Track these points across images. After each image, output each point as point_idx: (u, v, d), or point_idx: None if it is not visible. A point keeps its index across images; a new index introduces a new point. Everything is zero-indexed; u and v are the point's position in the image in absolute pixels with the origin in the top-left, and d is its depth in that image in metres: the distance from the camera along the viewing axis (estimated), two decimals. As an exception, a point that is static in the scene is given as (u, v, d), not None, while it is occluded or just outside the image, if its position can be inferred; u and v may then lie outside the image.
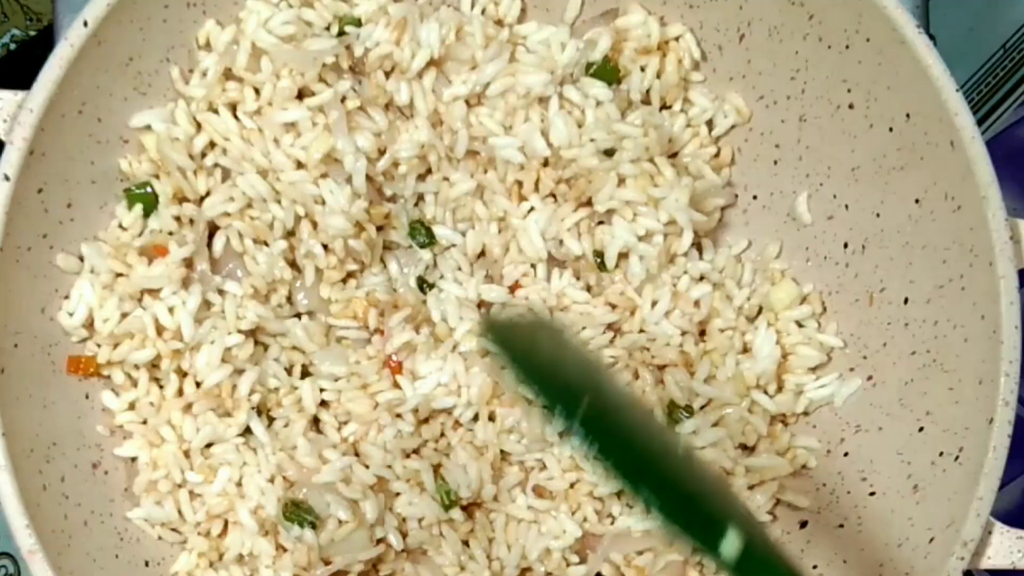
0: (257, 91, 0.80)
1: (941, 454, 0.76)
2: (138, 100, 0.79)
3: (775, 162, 0.87)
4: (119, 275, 0.78)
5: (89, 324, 0.78)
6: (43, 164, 0.73)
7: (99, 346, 0.78)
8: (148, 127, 0.79)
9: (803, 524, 0.84)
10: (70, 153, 0.76)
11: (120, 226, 0.80)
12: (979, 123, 0.73)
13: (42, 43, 1.56)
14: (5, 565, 1.52)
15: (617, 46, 0.85)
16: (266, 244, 0.81)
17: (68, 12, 0.89)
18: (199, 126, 0.80)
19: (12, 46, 1.59)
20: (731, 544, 0.51)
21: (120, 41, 0.75)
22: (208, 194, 0.81)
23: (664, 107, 0.87)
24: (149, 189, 0.79)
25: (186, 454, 0.80)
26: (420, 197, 0.85)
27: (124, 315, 0.78)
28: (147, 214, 0.80)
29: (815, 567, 0.81)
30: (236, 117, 0.80)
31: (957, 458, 0.74)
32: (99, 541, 0.77)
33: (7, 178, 0.71)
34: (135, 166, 0.79)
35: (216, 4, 0.79)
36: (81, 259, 0.78)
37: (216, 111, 0.80)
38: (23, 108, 0.71)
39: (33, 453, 0.73)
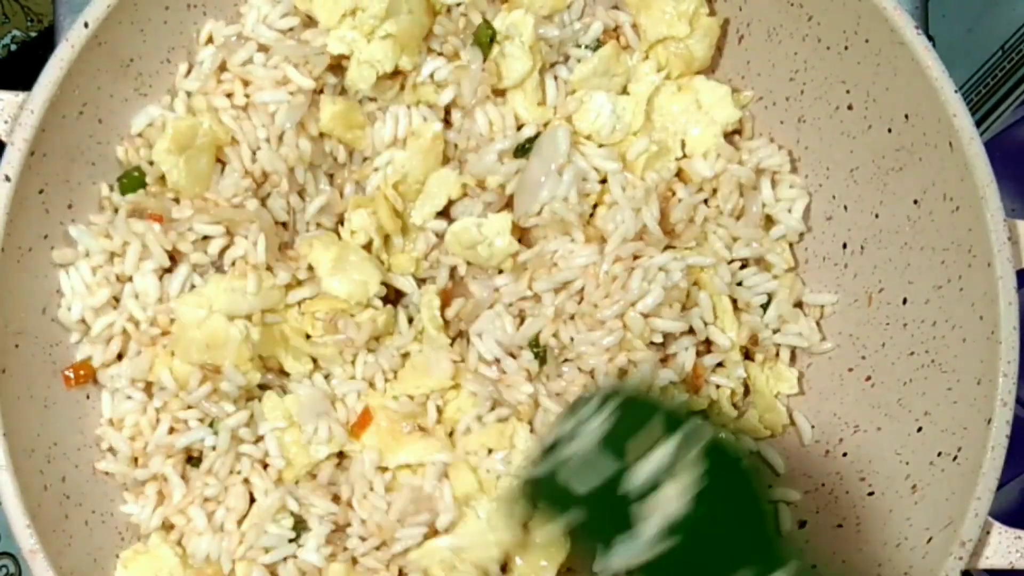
0: (246, 83, 0.80)
1: (939, 454, 0.76)
2: (138, 101, 0.79)
3: (774, 163, 0.87)
4: (113, 255, 0.78)
5: (84, 320, 0.78)
6: (44, 165, 0.73)
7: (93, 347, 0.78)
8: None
9: (802, 524, 0.84)
10: (71, 154, 0.76)
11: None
12: (978, 124, 0.73)
13: (43, 44, 1.57)
14: (6, 565, 1.53)
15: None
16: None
17: (69, 13, 0.89)
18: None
19: (13, 47, 1.59)
20: None
21: (120, 42, 0.75)
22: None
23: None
24: (137, 173, 0.79)
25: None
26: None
27: (116, 300, 0.78)
28: (132, 190, 0.79)
29: (814, 567, 0.81)
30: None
31: (955, 458, 0.74)
32: (99, 541, 0.77)
33: (8, 179, 0.71)
34: (131, 154, 0.79)
35: (216, 5, 0.80)
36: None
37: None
38: (24, 109, 0.71)
39: (34, 453, 0.73)
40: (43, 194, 0.74)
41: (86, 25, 0.72)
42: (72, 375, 0.77)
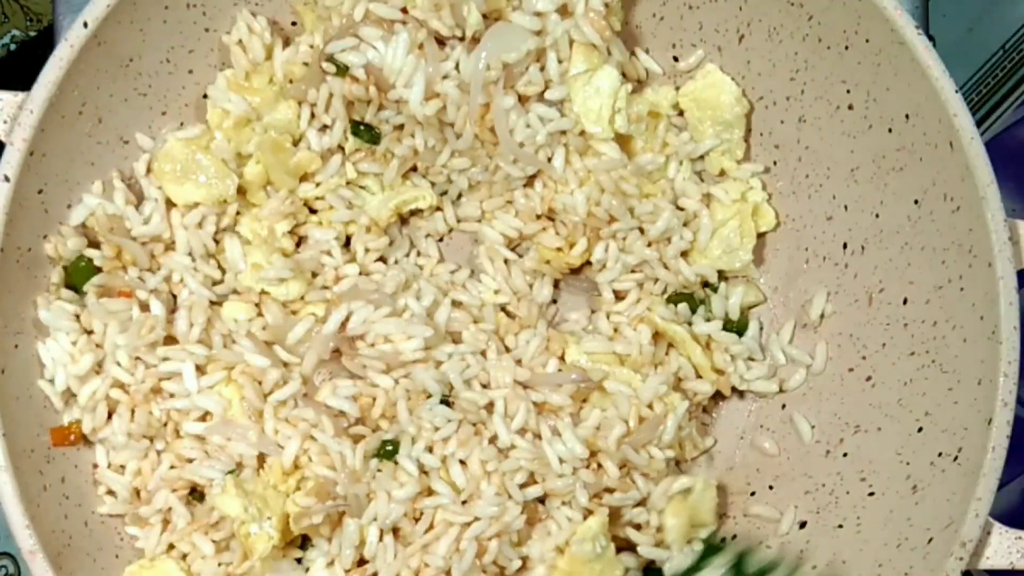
0: None
1: (940, 454, 0.76)
2: (138, 101, 0.79)
3: (774, 163, 0.87)
4: (88, 332, 0.77)
5: (69, 388, 0.77)
6: (43, 165, 0.73)
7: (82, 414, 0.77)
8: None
9: (803, 524, 0.84)
10: (70, 154, 0.76)
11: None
12: (978, 124, 0.73)
13: (42, 44, 1.56)
14: (5, 565, 1.52)
15: None
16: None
17: (68, 13, 0.89)
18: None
19: (12, 47, 1.59)
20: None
21: (120, 42, 0.75)
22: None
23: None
24: (84, 263, 0.77)
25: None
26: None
27: (98, 365, 0.77)
28: (86, 279, 0.77)
29: (814, 567, 0.81)
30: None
31: (956, 459, 0.74)
32: (99, 541, 0.77)
33: (7, 179, 0.71)
34: (60, 248, 0.76)
35: (215, 5, 0.80)
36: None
37: None
38: (23, 109, 0.71)
39: (33, 453, 0.74)
40: (43, 194, 0.74)
41: (85, 25, 0.72)
42: (62, 435, 0.76)
